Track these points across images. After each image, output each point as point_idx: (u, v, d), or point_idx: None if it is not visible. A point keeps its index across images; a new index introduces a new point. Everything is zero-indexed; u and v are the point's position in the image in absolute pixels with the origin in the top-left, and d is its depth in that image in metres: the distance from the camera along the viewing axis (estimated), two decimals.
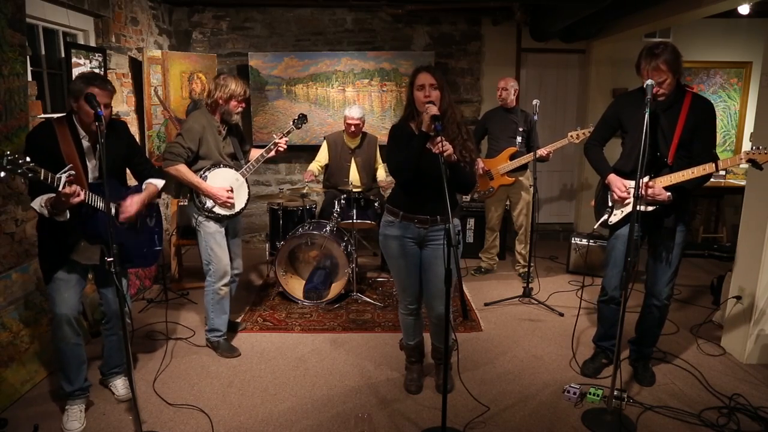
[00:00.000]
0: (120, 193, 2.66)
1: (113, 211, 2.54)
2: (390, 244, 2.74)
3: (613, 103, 3.01)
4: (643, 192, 2.64)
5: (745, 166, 2.57)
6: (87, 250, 2.59)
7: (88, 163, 2.53)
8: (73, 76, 3.71)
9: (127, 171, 2.83)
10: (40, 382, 2.98)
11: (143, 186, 2.77)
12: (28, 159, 2.09)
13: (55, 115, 3.45)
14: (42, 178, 2.17)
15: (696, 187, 2.69)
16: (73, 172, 2.31)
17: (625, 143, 2.90)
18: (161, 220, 2.99)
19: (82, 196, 2.32)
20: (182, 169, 3.13)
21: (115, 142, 2.62)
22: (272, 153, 3.47)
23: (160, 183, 2.83)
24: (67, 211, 2.37)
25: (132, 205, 2.62)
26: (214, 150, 3.23)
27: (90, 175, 2.53)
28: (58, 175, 2.23)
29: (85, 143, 2.53)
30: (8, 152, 2.05)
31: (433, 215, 2.64)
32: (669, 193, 2.64)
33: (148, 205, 2.77)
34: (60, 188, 2.23)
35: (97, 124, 2.27)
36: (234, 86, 3.18)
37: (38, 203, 2.37)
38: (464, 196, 5.41)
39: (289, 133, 3.58)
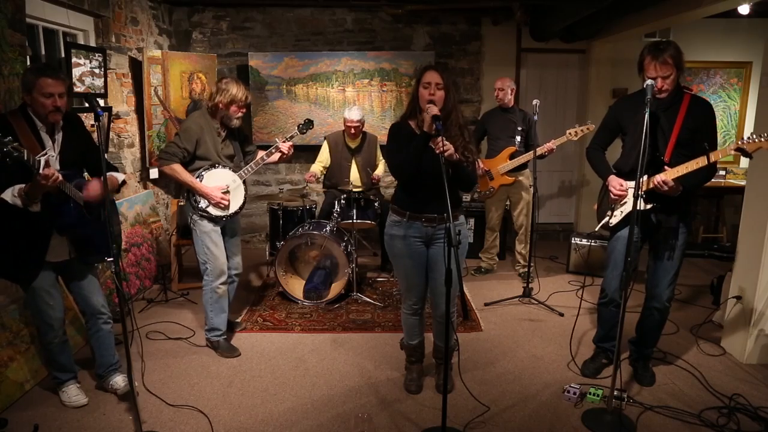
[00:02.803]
0: (82, 185, 2.61)
1: (80, 196, 2.51)
2: (396, 243, 2.74)
3: (612, 107, 3.03)
4: (647, 186, 2.63)
5: (745, 165, 2.58)
6: (56, 246, 2.56)
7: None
8: (74, 76, 3.72)
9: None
10: (40, 382, 2.98)
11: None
12: (10, 138, 2.08)
13: None
14: (25, 158, 2.15)
15: (695, 187, 2.69)
16: (53, 153, 2.30)
17: (625, 143, 2.91)
18: (117, 211, 2.96)
19: (58, 176, 2.29)
20: (177, 169, 3.14)
21: (74, 134, 2.60)
22: (274, 157, 3.44)
23: (120, 176, 2.82)
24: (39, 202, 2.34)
25: (96, 186, 2.56)
26: (212, 151, 3.23)
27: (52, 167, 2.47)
28: (37, 157, 2.21)
29: (43, 135, 2.49)
30: None
31: (440, 214, 2.64)
32: (673, 183, 2.62)
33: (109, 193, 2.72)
34: (40, 170, 2.22)
35: (97, 123, 2.26)
36: (235, 91, 3.17)
37: (10, 194, 2.31)
38: (464, 197, 5.42)
39: (292, 137, 3.56)
